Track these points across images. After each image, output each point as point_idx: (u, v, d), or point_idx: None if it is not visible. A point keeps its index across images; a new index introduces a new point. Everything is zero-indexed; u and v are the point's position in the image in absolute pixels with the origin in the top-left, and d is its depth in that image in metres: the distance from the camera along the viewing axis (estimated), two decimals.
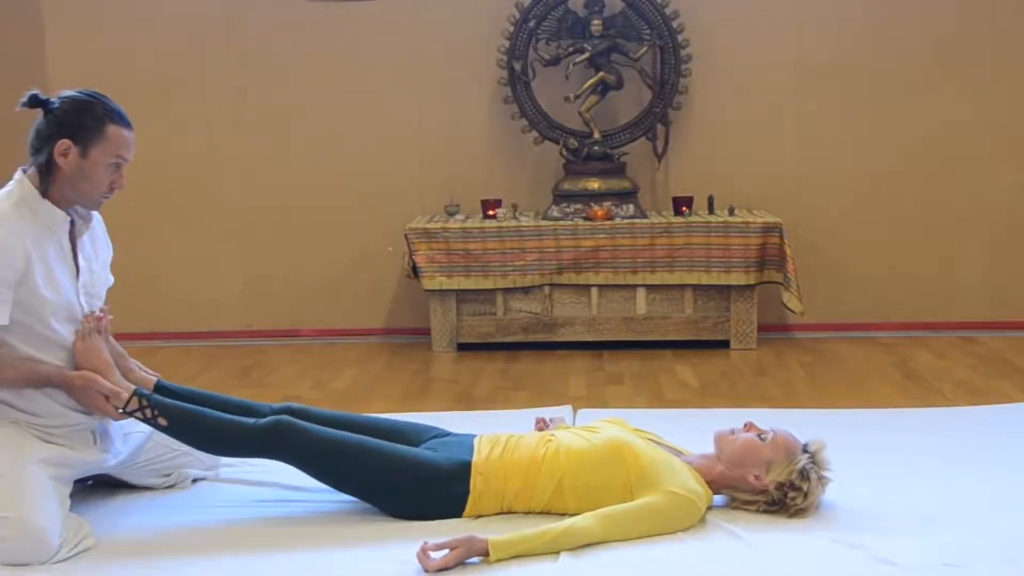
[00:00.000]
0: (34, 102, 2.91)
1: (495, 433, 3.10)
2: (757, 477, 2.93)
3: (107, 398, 2.94)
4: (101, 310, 3.06)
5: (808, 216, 5.84)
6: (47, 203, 2.89)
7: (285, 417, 3.03)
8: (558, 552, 2.70)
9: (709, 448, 3.06)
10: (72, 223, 2.98)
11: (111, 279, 3.20)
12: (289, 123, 6.01)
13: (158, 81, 5.95)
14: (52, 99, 2.91)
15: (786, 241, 5.42)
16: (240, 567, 2.72)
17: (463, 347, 5.59)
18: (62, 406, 2.95)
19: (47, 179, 2.89)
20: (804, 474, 2.90)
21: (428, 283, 5.52)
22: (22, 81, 6.01)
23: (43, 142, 2.89)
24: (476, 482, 2.94)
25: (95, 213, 3.09)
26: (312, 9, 5.93)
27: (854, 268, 5.90)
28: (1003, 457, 3.47)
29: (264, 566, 2.73)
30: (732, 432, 3.00)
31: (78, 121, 2.87)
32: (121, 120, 2.93)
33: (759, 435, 2.96)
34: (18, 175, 2.93)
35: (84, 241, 3.03)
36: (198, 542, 2.87)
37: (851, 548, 2.73)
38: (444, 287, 5.52)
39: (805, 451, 2.95)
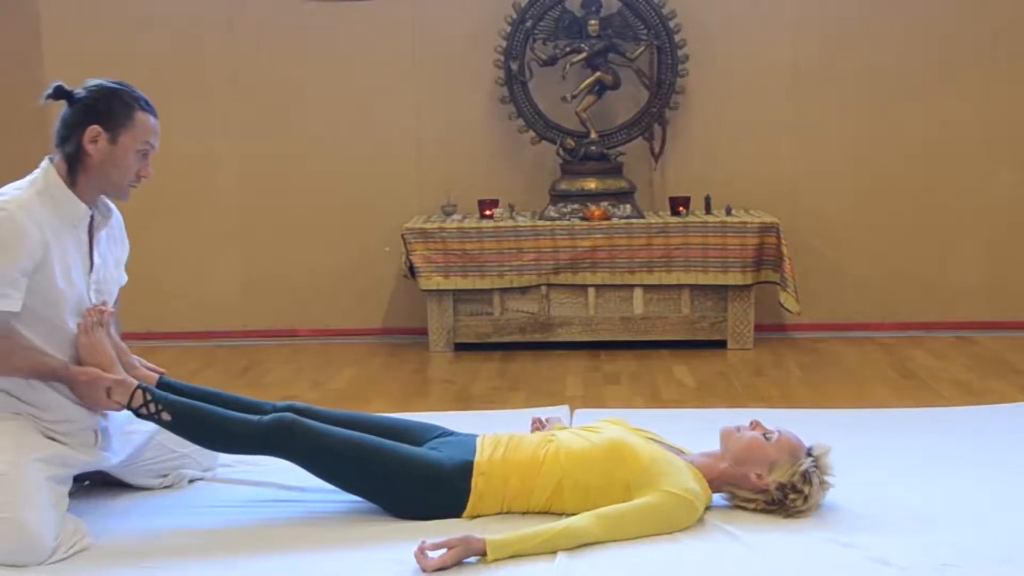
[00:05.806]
0: (59, 93, 2.93)
1: (497, 433, 3.10)
2: (759, 476, 2.93)
3: (110, 394, 2.92)
4: (103, 303, 3.04)
5: (805, 216, 5.84)
6: (71, 194, 2.91)
7: (289, 415, 3.01)
8: (556, 552, 2.70)
9: (707, 448, 3.07)
10: (92, 218, 2.98)
11: (124, 278, 3.21)
12: (287, 123, 6.00)
13: (156, 81, 5.87)
14: (77, 89, 2.94)
15: (783, 241, 5.42)
16: (237, 567, 2.72)
17: (460, 347, 5.59)
18: (64, 397, 2.93)
19: (75, 169, 2.91)
20: (806, 477, 2.91)
21: (425, 283, 5.52)
22: (19, 81, 6.05)
23: (71, 130, 2.91)
24: (477, 482, 2.94)
25: (115, 211, 3.10)
26: (310, 9, 5.93)
27: (851, 268, 5.90)
28: (1000, 457, 3.47)
29: (261, 566, 2.73)
30: (738, 429, 3.01)
31: (107, 107, 2.90)
32: (148, 107, 2.97)
33: (765, 434, 2.97)
34: (45, 163, 2.94)
35: (101, 237, 3.04)
36: (195, 542, 2.87)
37: (848, 548, 2.73)
38: (441, 287, 5.52)
39: (809, 454, 2.95)
